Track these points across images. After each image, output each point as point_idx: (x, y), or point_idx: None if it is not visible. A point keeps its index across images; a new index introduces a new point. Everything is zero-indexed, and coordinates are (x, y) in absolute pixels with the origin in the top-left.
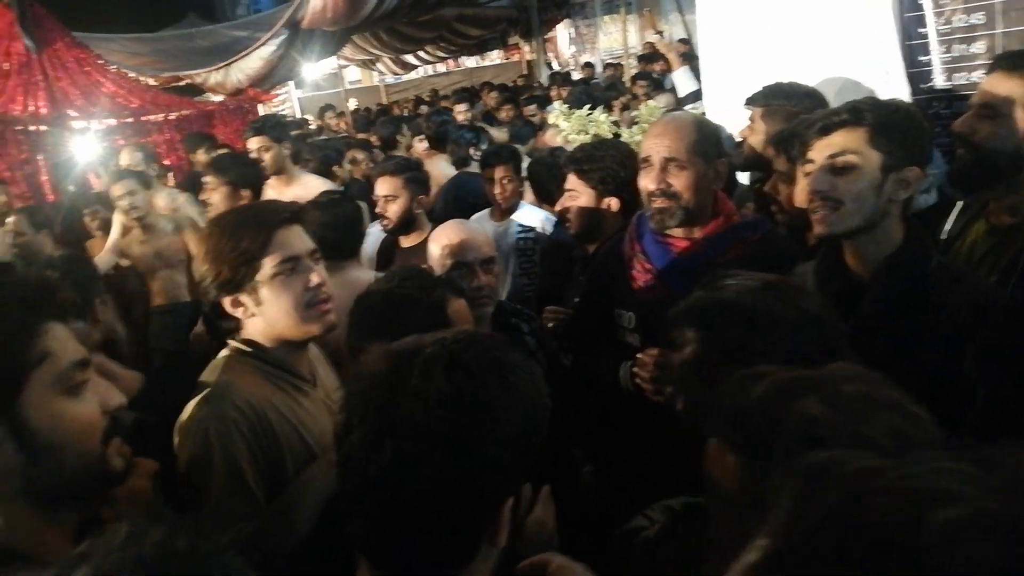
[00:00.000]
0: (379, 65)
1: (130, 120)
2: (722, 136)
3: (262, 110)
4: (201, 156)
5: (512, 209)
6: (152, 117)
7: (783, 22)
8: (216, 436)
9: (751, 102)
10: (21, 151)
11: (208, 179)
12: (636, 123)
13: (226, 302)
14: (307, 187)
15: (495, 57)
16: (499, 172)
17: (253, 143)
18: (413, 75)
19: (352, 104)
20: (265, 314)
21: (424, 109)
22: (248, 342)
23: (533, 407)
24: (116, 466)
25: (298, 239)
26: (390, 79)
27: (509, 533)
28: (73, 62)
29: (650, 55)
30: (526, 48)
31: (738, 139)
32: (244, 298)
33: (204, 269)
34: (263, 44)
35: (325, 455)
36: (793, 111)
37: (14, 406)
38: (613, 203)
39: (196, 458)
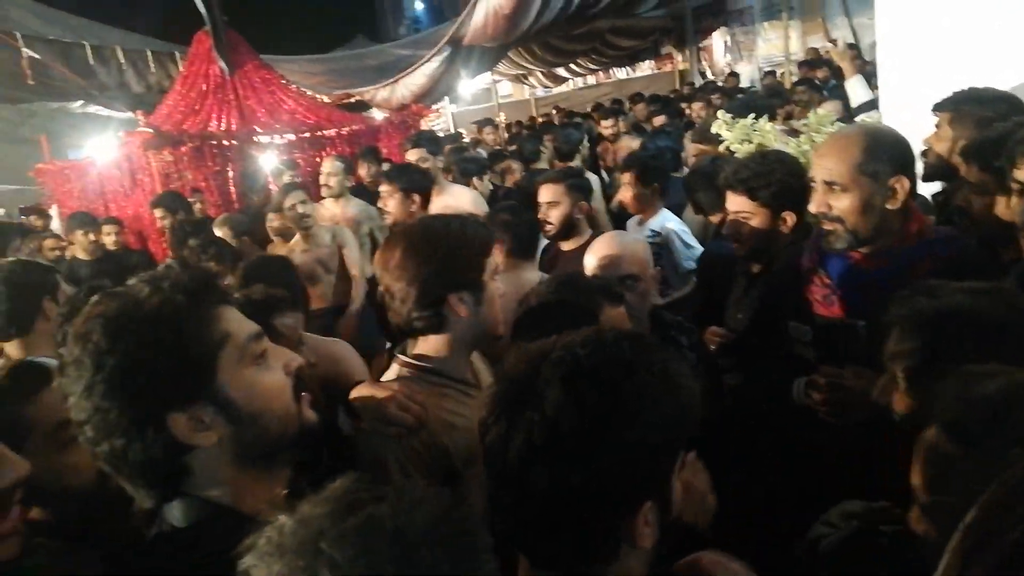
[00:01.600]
0: (531, 79)
1: (307, 135)
2: (905, 148)
3: (422, 125)
4: (363, 171)
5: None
6: (326, 132)
7: (971, 21)
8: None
9: (939, 108)
10: (215, 163)
11: (383, 187)
12: (804, 132)
13: (452, 299)
14: (456, 197)
15: (645, 68)
16: (625, 178)
17: (412, 155)
18: (562, 88)
19: (501, 118)
20: (482, 314)
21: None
22: (419, 356)
23: (674, 410)
24: (311, 419)
25: (497, 250)
26: (540, 92)
27: (657, 534)
28: (260, 82)
29: (813, 61)
30: (679, 58)
31: (921, 147)
32: (467, 296)
33: (424, 267)
34: (427, 61)
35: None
36: (985, 116)
37: (214, 386)
38: (790, 218)
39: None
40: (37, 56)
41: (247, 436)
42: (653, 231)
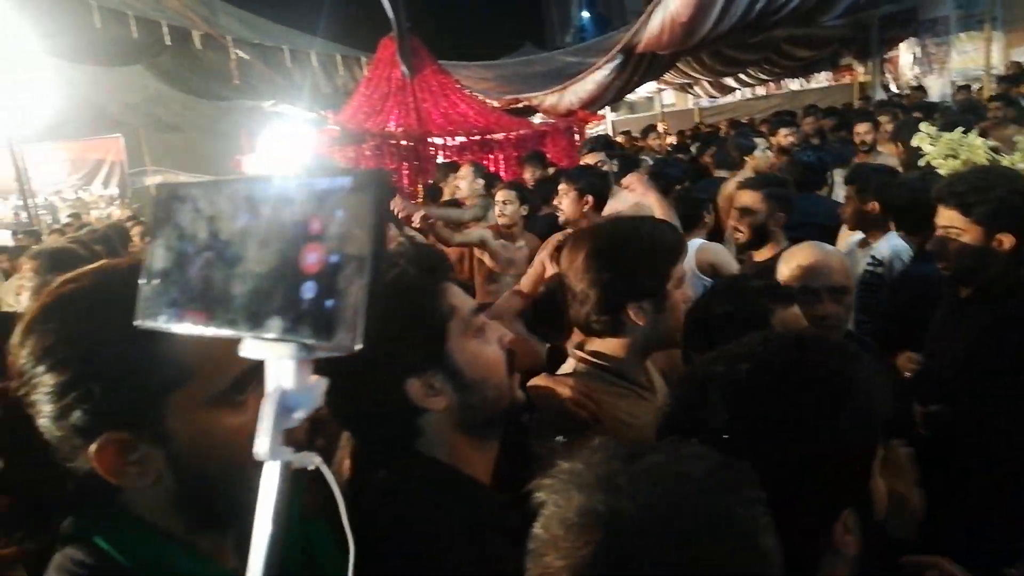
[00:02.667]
0: (696, 88)
1: (477, 138)
2: None
3: (586, 131)
4: (527, 175)
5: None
6: (495, 136)
7: None
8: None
9: None
10: (392, 161)
11: (561, 185)
12: (1019, 149)
13: (631, 307)
14: (622, 201)
15: (821, 79)
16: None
17: (590, 158)
18: (729, 98)
19: (660, 128)
20: (662, 322)
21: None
22: (597, 354)
23: (858, 413)
24: (520, 396)
25: (684, 259)
26: (705, 102)
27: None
28: (437, 86)
29: (1016, 76)
30: (859, 69)
31: None
32: (648, 304)
33: (606, 273)
34: (598, 69)
35: None
36: None
37: (444, 354)
38: (1007, 240)
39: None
40: (245, 58)
41: (470, 403)
42: (875, 259)
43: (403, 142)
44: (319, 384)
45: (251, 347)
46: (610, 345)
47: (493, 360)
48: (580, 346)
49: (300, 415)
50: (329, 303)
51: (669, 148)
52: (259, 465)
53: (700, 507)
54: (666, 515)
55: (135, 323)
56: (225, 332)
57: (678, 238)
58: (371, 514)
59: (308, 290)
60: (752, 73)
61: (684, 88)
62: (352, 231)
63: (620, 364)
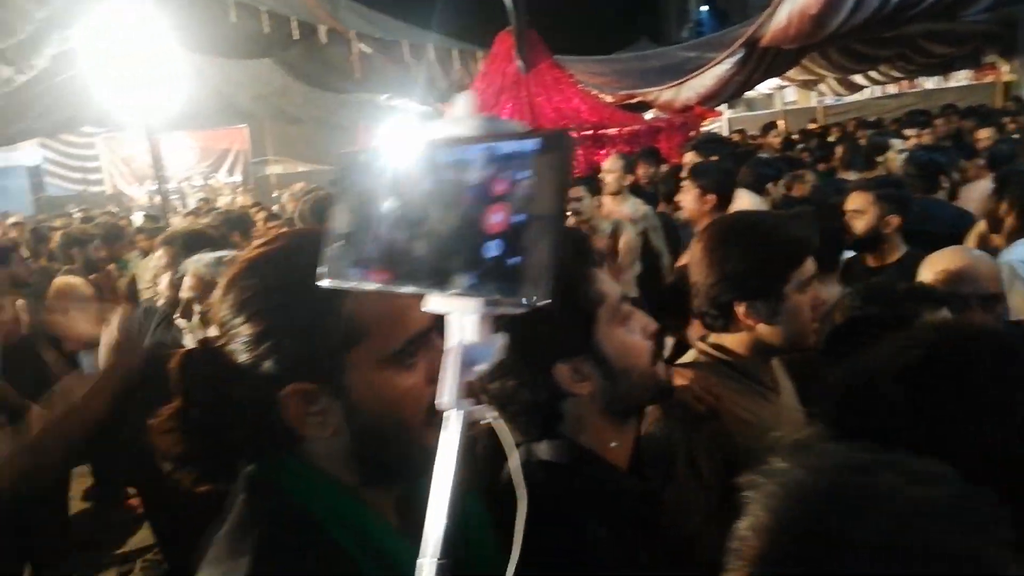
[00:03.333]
0: (820, 85)
1: (589, 133)
2: None
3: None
4: (640, 171)
5: None
6: (607, 131)
7: None
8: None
9: None
10: None
11: (685, 182)
12: None
13: (740, 307)
14: (740, 202)
15: (960, 78)
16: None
17: (688, 157)
18: (857, 96)
19: (781, 125)
20: (783, 324)
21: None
22: (719, 347)
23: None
24: (665, 383)
25: (811, 260)
26: (830, 100)
27: None
28: (551, 81)
29: None
30: (1004, 68)
31: None
32: (760, 306)
33: (718, 269)
34: (719, 63)
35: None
36: None
37: (593, 341)
38: None
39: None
40: (367, 51)
41: (615, 390)
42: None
43: None
44: (498, 339)
45: (435, 302)
46: (731, 340)
47: (639, 349)
48: (703, 338)
49: (480, 368)
50: (513, 260)
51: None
52: (426, 425)
53: (944, 546)
54: (904, 551)
55: (322, 282)
56: (408, 289)
57: (804, 238)
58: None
59: (492, 249)
60: (883, 70)
61: (808, 85)
62: (539, 191)
63: (741, 360)
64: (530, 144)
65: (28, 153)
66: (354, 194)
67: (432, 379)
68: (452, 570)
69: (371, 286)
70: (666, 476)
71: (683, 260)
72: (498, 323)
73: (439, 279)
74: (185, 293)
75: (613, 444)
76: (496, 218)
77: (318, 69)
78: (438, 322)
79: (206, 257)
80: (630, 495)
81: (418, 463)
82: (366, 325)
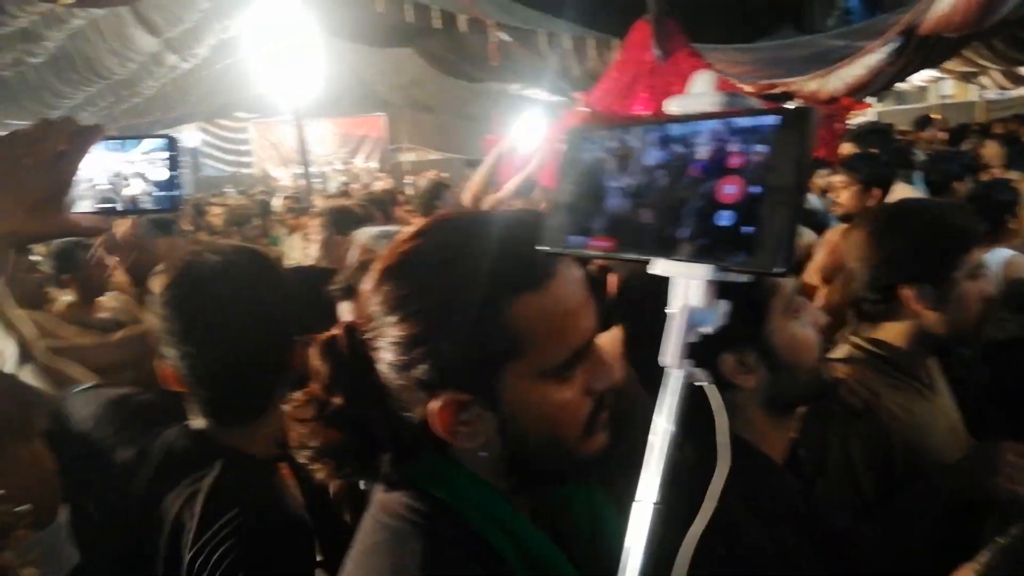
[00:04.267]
0: (982, 78)
1: None
2: None
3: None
4: None
5: None
6: None
7: None
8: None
9: None
10: None
11: (837, 177)
12: None
13: (905, 290)
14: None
15: None
16: None
17: (846, 148)
18: (1023, 91)
19: (937, 120)
20: (949, 313)
21: None
22: (875, 341)
23: None
24: (831, 379)
25: (979, 251)
26: (992, 94)
27: None
28: (689, 70)
29: None
30: None
31: None
32: (927, 290)
33: (881, 250)
34: (871, 52)
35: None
36: None
37: (761, 332)
38: None
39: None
40: (507, 40)
41: (779, 384)
42: None
43: None
44: (723, 304)
45: (661, 266)
46: (888, 333)
47: (808, 343)
48: (856, 332)
49: (704, 330)
50: (747, 229)
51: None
52: (582, 437)
53: None
54: None
55: (538, 248)
56: (631, 256)
57: (972, 227)
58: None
59: (724, 218)
60: None
61: (966, 77)
62: (778, 164)
63: (898, 354)
64: (770, 119)
65: (189, 136)
66: (576, 166)
67: (589, 391)
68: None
69: (592, 253)
70: (818, 472)
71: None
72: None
73: (666, 246)
74: (351, 261)
75: (771, 438)
76: (730, 189)
77: (456, 58)
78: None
79: (372, 230)
80: (786, 490)
81: (570, 473)
82: (529, 338)
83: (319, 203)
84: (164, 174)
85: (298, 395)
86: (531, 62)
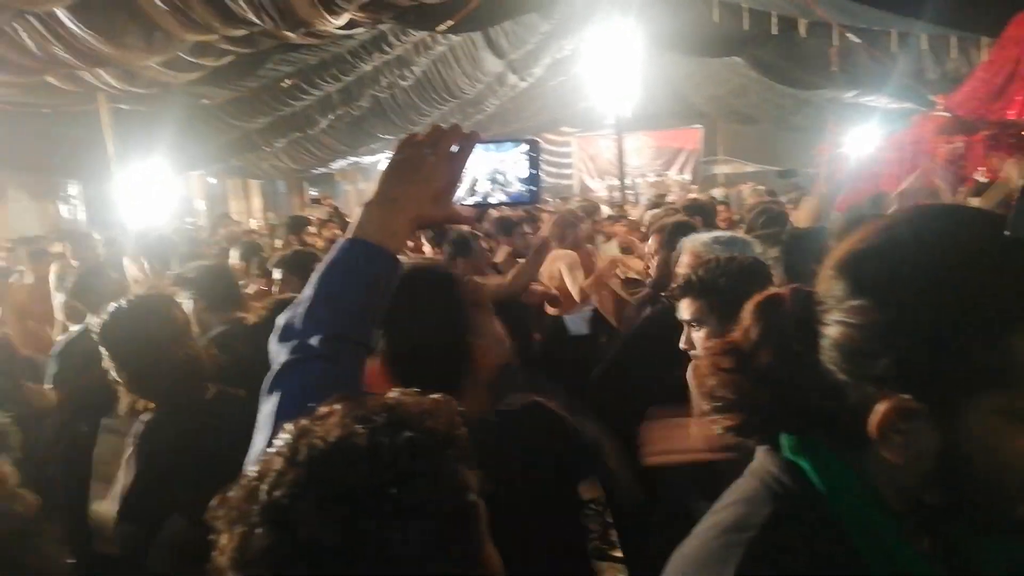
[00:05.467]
0: None
1: None
2: None
3: None
4: None
5: None
6: None
7: None
8: None
9: None
10: (1009, 153)
11: None
12: None
13: None
14: None
15: None
16: None
17: None
18: None
19: None
20: None
21: None
22: None
23: None
24: None
25: None
26: None
27: None
28: None
29: None
30: None
31: None
32: None
33: None
34: None
35: None
36: None
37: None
38: None
39: None
40: (856, 41)
41: None
42: None
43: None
44: None
45: None
46: None
47: None
48: None
49: None
50: None
51: None
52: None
53: None
54: None
55: (1007, 232)
56: None
57: None
58: None
59: None
60: None
61: None
62: None
63: None
64: None
65: None
66: None
67: None
68: None
69: None
70: None
71: None
72: None
73: None
74: (682, 269)
75: None
76: None
77: (789, 65)
78: None
79: (702, 236)
80: None
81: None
82: (1019, 372)
83: (633, 213)
84: (527, 171)
85: (717, 342)
86: (874, 67)
